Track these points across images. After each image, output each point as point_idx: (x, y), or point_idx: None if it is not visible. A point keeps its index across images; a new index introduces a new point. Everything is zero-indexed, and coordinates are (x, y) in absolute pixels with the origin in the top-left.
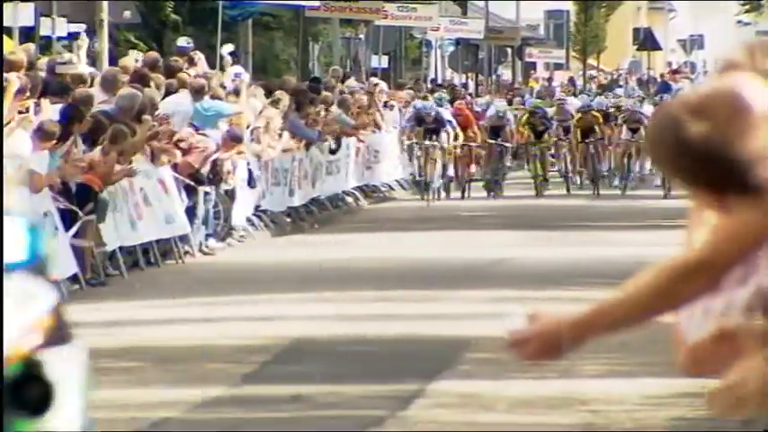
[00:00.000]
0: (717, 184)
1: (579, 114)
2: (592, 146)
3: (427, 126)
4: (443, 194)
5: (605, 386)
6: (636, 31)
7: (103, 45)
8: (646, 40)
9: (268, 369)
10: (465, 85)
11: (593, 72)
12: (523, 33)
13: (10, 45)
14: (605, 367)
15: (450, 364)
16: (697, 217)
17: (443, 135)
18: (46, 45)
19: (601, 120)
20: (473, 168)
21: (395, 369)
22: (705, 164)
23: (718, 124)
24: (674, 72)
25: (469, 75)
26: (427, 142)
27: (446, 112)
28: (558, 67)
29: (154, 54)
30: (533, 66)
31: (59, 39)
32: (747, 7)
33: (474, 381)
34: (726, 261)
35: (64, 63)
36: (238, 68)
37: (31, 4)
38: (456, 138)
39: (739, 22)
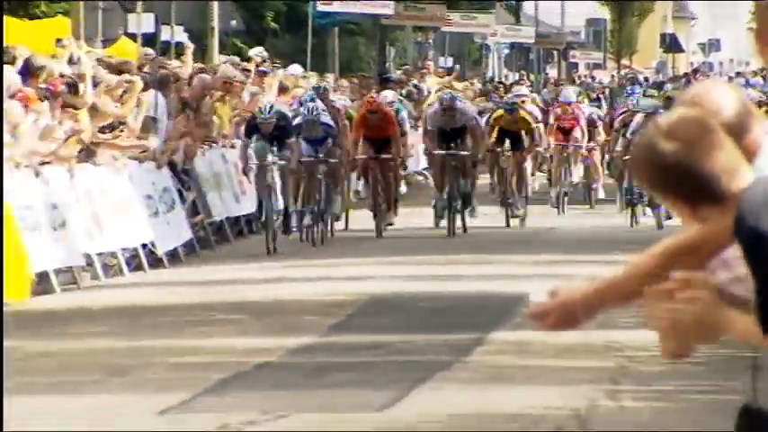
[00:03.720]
0: (688, 197)
1: None
2: None
3: None
4: None
5: (636, 336)
6: (663, 36)
7: (214, 48)
8: (671, 44)
9: (351, 321)
10: (518, 82)
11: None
12: (568, 38)
13: (134, 49)
14: (636, 319)
15: (505, 317)
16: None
17: None
18: (165, 49)
19: None
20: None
21: (459, 322)
22: (676, 179)
23: (687, 144)
24: (695, 71)
25: (521, 73)
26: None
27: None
28: (597, 66)
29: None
30: (576, 66)
31: (177, 44)
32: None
33: (525, 331)
34: (711, 246)
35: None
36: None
37: (152, 14)
38: None
39: (750, 28)
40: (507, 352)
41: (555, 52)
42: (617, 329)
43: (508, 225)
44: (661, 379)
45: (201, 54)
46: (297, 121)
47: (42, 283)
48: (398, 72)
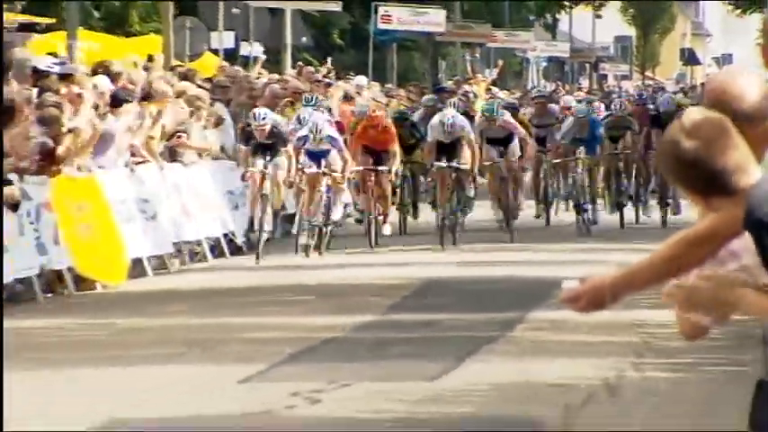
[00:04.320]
0: (703, 188)
1: None
2: None
3: None
4: None
5: (658, 314)
6: (682, 50)
7: (287, 61)
8: (689, 58)
9: (407, 302)
10: (555, 91)
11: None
12: (598, 53)
13: (216, 63)
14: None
15: (543, 297)
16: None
17: None
18: (244, 62)
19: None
20: None
21: (502, 302)
22: (694, 173)
23: (705, 143)
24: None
25: (557, 83)
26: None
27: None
28: (624, 78)
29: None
30: (605, 77)
31: (255, 58)
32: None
33: (561, 311)
34: (723, 236)
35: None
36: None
37: (233, 32)
38: None
39: (758, 44)
40: (545, 328)
41: (587, 65)
42: (641, 309)
43: (548, 223)
44: (680, 353)
45: (275, 67)
46: (302, 133)
47: (137, 268)
48: (449, 82)
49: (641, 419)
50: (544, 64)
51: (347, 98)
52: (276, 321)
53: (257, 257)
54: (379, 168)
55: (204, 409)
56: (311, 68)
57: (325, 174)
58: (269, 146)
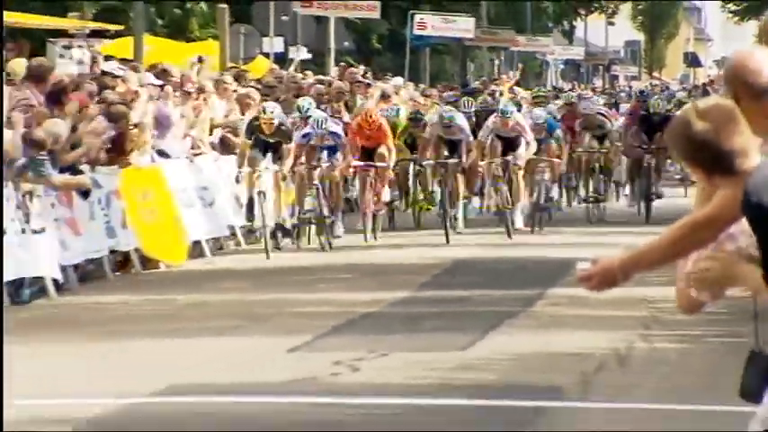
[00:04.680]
0: (707, 166)
1: None
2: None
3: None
4: None
5: (665, 291)
6: (685, 54)
7: (331, 63)
8: (692, 61)
9: (438, 279)
10: (571, 89)
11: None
12: (610, 56)
13: (267, 65)
14: (666, 278)
15: (561, 276)
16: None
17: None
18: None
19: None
20: None
21: (524, 280)
22: (701, 151)
23: (714, 126)
24: (711, 82)
25: (573, 83)
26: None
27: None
28: (633, 78)
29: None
30: (616, 77)
31: (292, 59)
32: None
33: (578, 288)
34: (724, 220)
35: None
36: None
37: (282, 37)
38: None
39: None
40: (562, 304)
41: (600, 67)
42: (649, 286)
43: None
44: (685, 326)
45: (320, 68)
46: (306, 130)
47: (196, 249)
48: (477, 82)
49: (650, 385)
50: (561, 66)
51: (384, 97)
52: (321, 297)
53: (266, 253)
54: (377, 165)
55: (256, 377)
56: (353, 69)
57: (319, 167)
58: (272, 144)
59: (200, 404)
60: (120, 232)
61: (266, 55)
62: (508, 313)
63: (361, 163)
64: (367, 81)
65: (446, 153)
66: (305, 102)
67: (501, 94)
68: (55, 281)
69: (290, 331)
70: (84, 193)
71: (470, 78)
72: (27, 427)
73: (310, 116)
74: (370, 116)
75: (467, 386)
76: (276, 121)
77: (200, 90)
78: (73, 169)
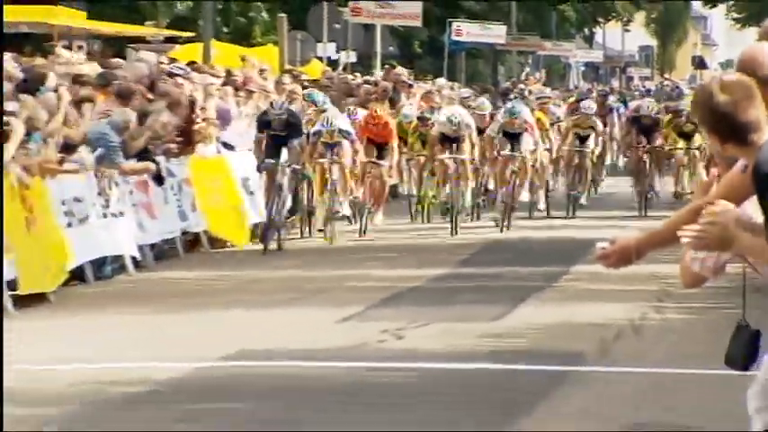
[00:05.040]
0: (723, 135)
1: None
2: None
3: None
4: None
5: (674, 268)
6: (693, 57)
7: (377, 66)
8: (699, 63)
9: (474, 258)
10: (590, 90)
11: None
12: (626, 59)
13: (321, 68)
14: (674, 257)
15: (581, 255)
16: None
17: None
18: (344, 67)
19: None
20: None
21: (548, 258)
22: (718, 121)
23: (733, 99)
24: None
25: (593, 84)
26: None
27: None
28: (646, 79)
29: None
30: (631, 78)
31: (337, 60)
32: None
33: (596, 266)
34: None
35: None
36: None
37: (334, 43)
38: None
39: None
40: (583, 279)
41: (617, 69)
42: (661, 263)
43: (574, 214)
44: (692, 299)
45: (367, 70)
46: (317, 127)
47: (257, 232)
48: (507, 83)
49: (661, 351)
50: (582, 68)
51: (427, 97)
52: (368, 274)
53: (279, 246)
54: (380, 162)
55: (313, 344)
56: (397, 71)
57: (334, 162)
58: (283, 137)
59: (264, 367)
60: (190, 215)
61: (320, 58)
62: (535, 288)
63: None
64: (409, 82)
65: (447, 152)
66: (319, 96)
67: (530, 93)
68: (133, 259)
69: (342, 304)
70: (159, 180)
71: (501, 79)
72: (110, 387)
73: (326, 110)
74: (376, 112)
75: (498, 352)
76: (285, 116)
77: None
78: (146, 159)
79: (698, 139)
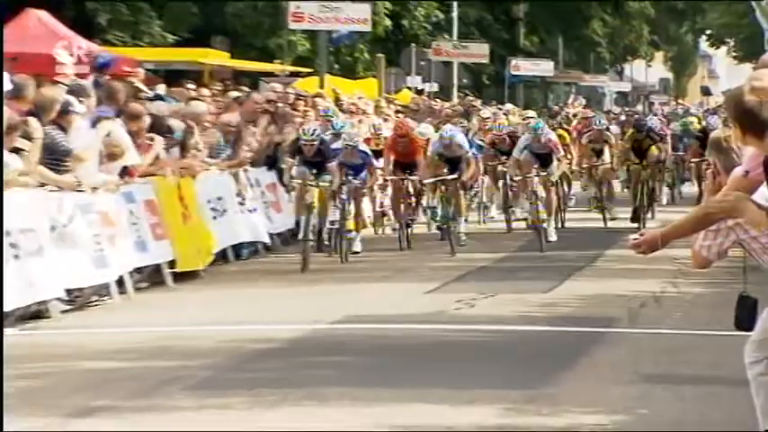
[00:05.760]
0: (746, 126)
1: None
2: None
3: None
4: None
5: (686, 252)
6: (701, 87)
7: (454, 94)
8: (706, 92)
9: (529, 244)
10: (620, 113)
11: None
12: (648, 88)
13: (409, 96)
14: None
15: (614, 241)
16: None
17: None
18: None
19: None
20: None
21: (588, 243)
22: (744, 115)
23: (758, 100)
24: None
25: (623, 108)
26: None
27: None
28: (664, 104)
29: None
30: (653, 103)
31: (423, 90)
32: None
33: (625, 251)
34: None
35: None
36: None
37: (420, 76)
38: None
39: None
40: (615, 261)
41: (642, 96)
42: (676, 249)
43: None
44: (701, 277)
45: (446, 97)
46: (336, 145)
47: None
48: (556, 107)
49: (676, 317)
50: (615, 95)
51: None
52: (447, 257)
53: (304, 265)
54: (411, 177)
55: (403, 311)
56: (469, 98)
57: (356, 185)
58: (315, 163)
59: (365, 329)
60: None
61: (409, 88)
62: (577, 267)
63: (394, 177)
64: (479, 107)
65: (445, 170)
66: (339, 122)
67: (575, 116)
68: (264, 244)
69: (425, 280)
70: (283, 183)
71: (551, 104)
72: (248, 344)
73: (342, 132)
74: (401, 126)
75: (548, 317)
76: (317, 143)
77: (363, 111)
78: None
79: (654, 151)
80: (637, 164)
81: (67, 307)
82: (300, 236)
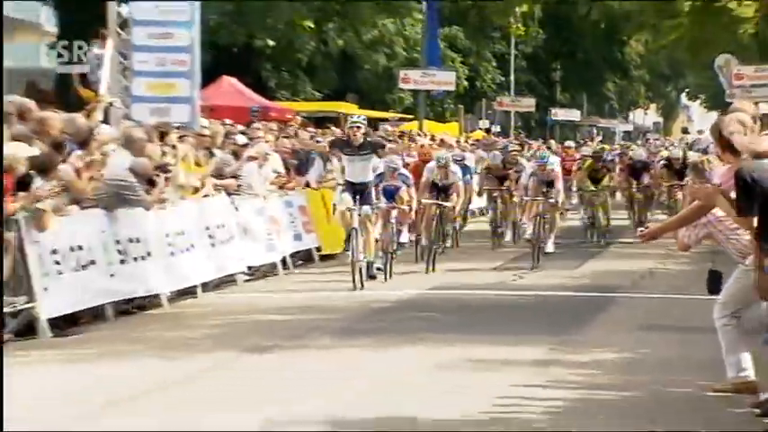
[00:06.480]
0: (726, 148)
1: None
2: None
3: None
4: None
5: (674, 240)
6: (682, 128)
7: (510, 133)
8: (684, 131)
9: (563, 234)
10: (629, 147)
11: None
12: (645, 129)
13: (481, 134)
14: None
15: (623, 235)
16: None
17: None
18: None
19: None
20: None
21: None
22: (724, 139)
23: (734, 130)
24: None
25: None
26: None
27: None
28: (656, 140)
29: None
30: (648, 139)
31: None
32: None
33: (629, 239)
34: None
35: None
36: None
37: (488, 120)
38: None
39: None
40: (622, 247)
41: (641, 134)
42: (666, 238)
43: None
44: (684, 257)
45: (505, 135)
46: (379, 170)
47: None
48: (581, 141)
49: (665, 285)
50: (622, 134)
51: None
52: (506, 245)
53: (361, 285)
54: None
55: (476, 280)
56: (521, 136)
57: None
58: (359, 187)
59: (451, 294)
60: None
61: (480, 129)
62: (596, 251)
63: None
64: (528, 142)
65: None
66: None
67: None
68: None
69: (490, 260)
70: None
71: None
72: (368, 304)
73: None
74: (425, 153)
75: (575, 285)
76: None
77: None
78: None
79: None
80: (591, 190)
81: (248, 278)
82: (350, 256)
